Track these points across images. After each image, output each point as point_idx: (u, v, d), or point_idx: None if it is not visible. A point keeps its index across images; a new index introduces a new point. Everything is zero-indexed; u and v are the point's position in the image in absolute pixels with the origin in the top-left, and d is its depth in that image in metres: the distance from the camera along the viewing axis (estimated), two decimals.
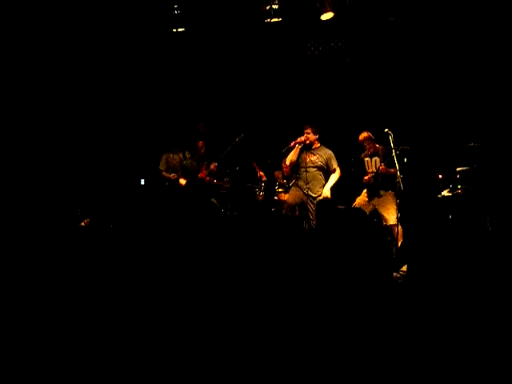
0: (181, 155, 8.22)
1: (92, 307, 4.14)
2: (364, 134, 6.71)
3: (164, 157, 8.17)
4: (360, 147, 6.81)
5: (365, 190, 6.74)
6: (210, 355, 3.16)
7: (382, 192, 6.55)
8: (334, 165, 6.61)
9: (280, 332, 3.51)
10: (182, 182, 7.78)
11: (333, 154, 6.65)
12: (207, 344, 3.32)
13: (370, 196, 6.61)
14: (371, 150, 6.68)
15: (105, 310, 4.08)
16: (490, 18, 7.28)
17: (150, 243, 7.36)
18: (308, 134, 6.58)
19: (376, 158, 6.68)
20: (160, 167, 8.14)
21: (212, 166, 7.71)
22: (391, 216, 6.36)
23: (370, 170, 6.66)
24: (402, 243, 6.13)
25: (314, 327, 3.64)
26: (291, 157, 6.63)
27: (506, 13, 7.09)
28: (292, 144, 6.63)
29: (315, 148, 6.66)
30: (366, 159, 6.75)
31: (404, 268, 5.71)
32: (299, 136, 6.64)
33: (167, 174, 8.05)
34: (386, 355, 3.19)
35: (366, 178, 6.58)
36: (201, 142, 7.97)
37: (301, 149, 6.62)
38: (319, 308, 4.03)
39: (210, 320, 3.78)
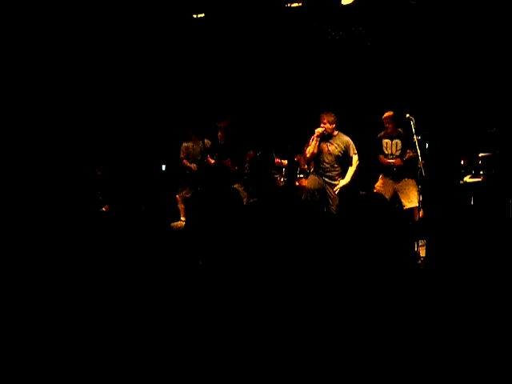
0: (200, 144, 8.23)
1: (105, 296, 4.19)
2: (389, 113, 6.63)
3: (183, 145, 8.23)
4: (380, 127, 6.76)
5: (381, 176, 6.70)
6: (214, 345, 3.19)
7: (403, 177, 6.52)
8: (352, 153, 6.54)
9: (295, 316, 3.53)
10: (211, 160, 7.95)
11: (351, 142, 6.58)
12: (215, 329, 3.36)
13: (392, 179, 6.57)
14: (389, 131, 6.64)
15: (119, 297, 4.13)
16: (509, 6, 7.15)
17: (169, 229, 7.43)
18: (325, 124, 6.50)
19: (397, 140, 6.63)
20: (181, 156, 8.19)
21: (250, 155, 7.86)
22: (413, 198, 6.30)
23: (389, 152, 6.62)
24: (422, 225, 6.10)
25: (332, 314, 3.66)
26: (311, 149, 6.57)
27: None
28: (311, 140, 6.56)
29: (334, 136, 6.60)
30: (386, 140, 6.69)
31: (422, 252, 5.69)
32: (317, 127, 6.56)
33: (188, 163, 8.10)
34: (396, 342, 3.19)
35: (392, 161, 6.55)
36: (220, 132, 8.04)
37: (320, 139, 6.57)
38: (339, 294, 4.04)
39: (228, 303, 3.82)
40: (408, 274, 4.80)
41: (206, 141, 8.17)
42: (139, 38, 8.64)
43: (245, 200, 7.68)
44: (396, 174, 6.56)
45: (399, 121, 6.60)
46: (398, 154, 6.62)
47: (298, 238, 4.95)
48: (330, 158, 6.52)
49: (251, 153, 7.83)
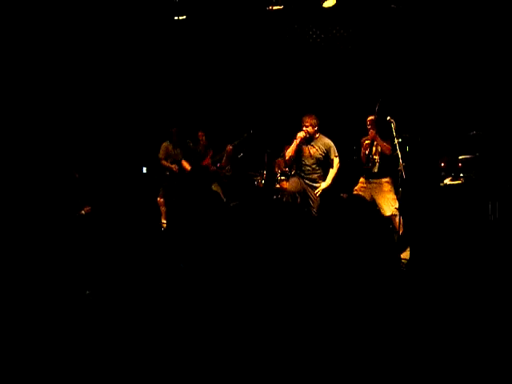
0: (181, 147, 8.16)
1: (91, 297, 4.14)
2: (371, 117, 6.63)
3: (164, 145, 8.09)
4: (363, 131, 6.77)
5: (361, 179, 6.71)
6: (210, 343, 3.16)
7: (378, 179, 6.48)
8: (333, 155, 6.51)
9: (281, 318, 3.51)
10: (187, 166, 7.83)
11: (331, 144, 6.55)
12: (208, 331, 3.33)
13: (368, 179, 6.54)
14: (371, 135, 6.64)
15: (104, 300, 4.08)
16: (489, 9, 7.24)
17: (151, 231, 7.37)
18: (307, 127, 6.48)
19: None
20: (159, 155, 8.05)
21: (228, 149, 7.71)
22: (391, 207, 6.28)
23: (372, 152, 6.61)
24: (403, 232, 6.10)
25: (315, 314, 3.64)
26: (290, 152, 6.54)
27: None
28: (294, 144, 6.53)
29: (315, 139, 6.58)
30: (366, 142, 6.70)
31: (404, 255, 5.71)
32: (299, 129, 6.51)
33: (167, 163, 8.00)
34: (387, 343, 3.19)
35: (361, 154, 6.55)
36: (201, 132, 7.99)
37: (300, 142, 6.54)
38: (321, 294, 4.03)
39: (211, 307, 3.79)
40: (389, 274, 4.82)
41: (188, 141, 8.12)
42: (118, 39, 8.58)
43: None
44: (375, 175, 6.53)
45: (380, 124, 6.61)
46: (378, 155, 6.61)
47: (279, 239, 4.94)
48: (311, 160, 6.50)
49: (229, 147, 7.72)
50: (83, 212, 7.87)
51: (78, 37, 8.26)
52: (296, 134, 6.45)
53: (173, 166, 7.94)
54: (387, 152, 6.30)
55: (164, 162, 8.02)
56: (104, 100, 8.87)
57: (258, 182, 8.32)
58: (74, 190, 7.91)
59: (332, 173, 6.52)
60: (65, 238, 6.16)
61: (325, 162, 6.56)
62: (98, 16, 8.14)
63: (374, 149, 6.57)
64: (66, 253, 5.42)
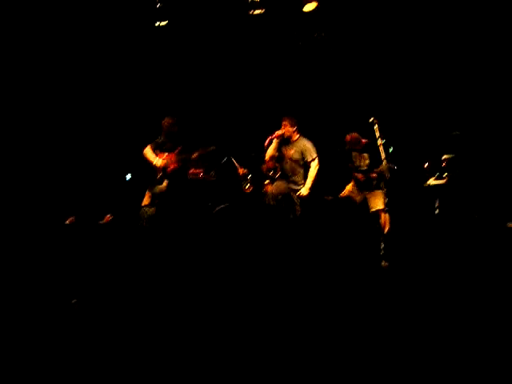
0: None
1: (77, 306, 4.10)
2: (347, 138, 6.67)
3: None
4: (346, 132, 6.80)
5: (351, 183, 6.74)
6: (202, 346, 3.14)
7: (372, 189, 6.55)
8: (309, 158, 6.48)
9: (269, 318, 3.49)
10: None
11: (309, 146, 6.54)
12: (196, 336, 3.30)
13: (360, 189, 6.61)
14: (358, 148, 6.66)
15: (92, 309, 4.04)
16: (473, 13, 7.30)
17: (136, 239, 7.31)
18: (285, 126, 6.50)
19: (365, 154, 6.66)
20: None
21: (194, 155, 6.95)
22: (378, 202, 6.34)
23: (358, 165, 6.64)
24: (388, 230, 6.13)
25: (302, 315, 3.63)
26: (270, 152, 6.55)
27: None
28: (268, 140, 6.54)
29: (293, 141, 6.56)
30: (354, 153, 6.72)
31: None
32: (277, 129, 6.54)
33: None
34: (374, 343, 3.18)
35: (359, 176, 6.56)
36: (167, 120, 7.07)
37: (279, 142, 6.53)
38: (307, 296, 4.02)
39: (201, 310, 3.76)
40: (372, 275, 4.82)
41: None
42: (100, 45, 8.53)
43: None
44: (365, 186, 6.59)
45: (359, 135, 6.63)
46: (366, 167, 6.65)
47: (263, 241, 4.93)
48: (290, 163, 6.52)
49: (195, 155, 7.31)
50: (67, 222, 7.79)
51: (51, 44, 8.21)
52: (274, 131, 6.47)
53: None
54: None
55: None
56: (87, 108, 8.81)
57: (245, 188, 8.27)
58: (61, 199, 7.83)
59: (310, 176, 6.45)
60: (49, 247, 6.10)
61: (304, 165, 6.55)
62: (80, 25, 8.09)
63: (362, 161, 6.63)
64: (51, 262, 5.38)
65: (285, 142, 6.53)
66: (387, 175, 5.94)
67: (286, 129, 6.47)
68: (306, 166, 6.53)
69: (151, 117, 8.85)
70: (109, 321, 3.76)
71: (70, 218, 7.78)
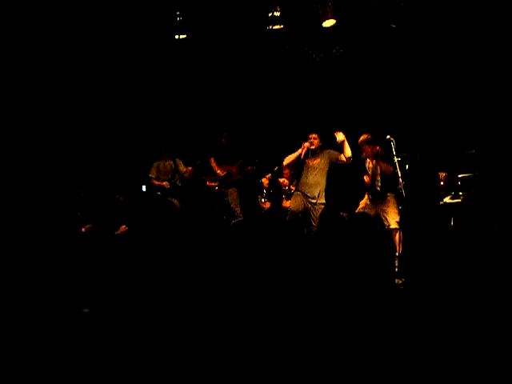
0: (172, 163, 8.10)
1: (91, 312, 4.12)
2: (361, 137, 6.72)
3: (155, 164, 8.07)
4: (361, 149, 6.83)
5: (365, 198, 6.74)
6: (210, 359, 3.15)
7: (383, 195, 6.54)
8: (343, 156, 6.61)
9: (281, 336, 3.49)
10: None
11: (331, 150, 6.74)
12: (205, 348, 3.31)
13: (373, 199, 6.61)
14: (368, 152, 6.68)
15: (103, 314, 4.07)
16: (491, 26, 7.30)
17: (150, 249, 7.35)
18: (315, 139, 6.65)
19: (382, 164, 6.67)
20: (150, 174, 8.04)
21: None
22: (392, 220, 6.35)
23: (371, 172, 6.67)
24: (401, 250, 6.10)
25: (314, 332, 3.62)
26: (290, 158, 6.70)
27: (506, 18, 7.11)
28: (297, 152, 6.67)
29: (317, 153, 6.71)
30: (368, 160, 6.75)
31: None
32: (299, 146, 6.70)
33: (158, 182, 7.96)
34: (385, 360, 3.17)
35: (365, 178, 6.62)
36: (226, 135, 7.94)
37: (304, 155, 6.66)
38: (320, 314, 4.01)
39: (211, 323, 3.77)
40: (387, 293, 4.80)
41: (176, 160, 8.05)
42: (113, 58, 8.62)
43: None
44: (379, 194, 6.58)
45: (373, 140, 6.66)
46: (380, 177, 6.64)
47: (277, 258, 4.93)
48: (315, 174, 6.60)
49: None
50: (83, 230, 7.83)
51: (68, 52, 8.28)
52: (303, 143, 6.67)
53: (164, 183, 7.92)
54: (388, 173, 6.37)
55: (155, 181, 7.98)
56: (107, 119, 8.90)
57: (261, 202, 8.28)
58: (76, 206, 7.88)
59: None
60: (64, 255, 6.15)
61: (327, 174, 6.67)
62: (97, 31, 8.18)
63: (370, 168, 6.64)
64: (64, 270, 5.42)
65: (309, 153, 6.64)
66: (403, 193, 5.94)
67: (316, 142, 6.66)
68: (327, 178, 6.67)
69: (172, 130, 8.94)
70: (119, 329, 3.78)
71: (87, 226, 7.84)
